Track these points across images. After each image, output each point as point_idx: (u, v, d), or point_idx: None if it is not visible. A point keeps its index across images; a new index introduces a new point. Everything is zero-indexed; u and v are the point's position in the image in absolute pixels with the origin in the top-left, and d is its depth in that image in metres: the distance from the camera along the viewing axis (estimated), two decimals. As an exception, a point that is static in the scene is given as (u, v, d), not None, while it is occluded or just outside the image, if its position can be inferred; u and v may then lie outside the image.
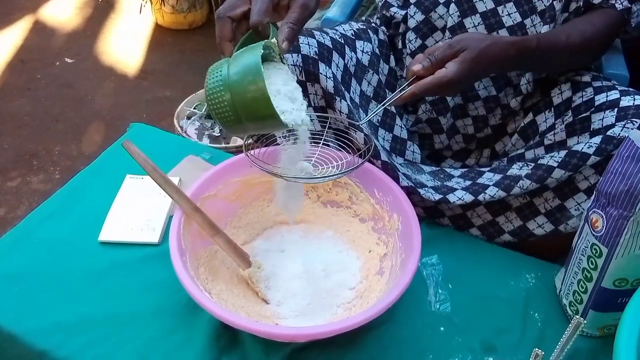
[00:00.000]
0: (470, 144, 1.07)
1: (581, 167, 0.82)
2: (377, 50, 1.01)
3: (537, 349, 0.65)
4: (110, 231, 0.92)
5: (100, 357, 0.76)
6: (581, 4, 0.90)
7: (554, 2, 0.89)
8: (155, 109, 1.97)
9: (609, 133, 0.80)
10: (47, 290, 0.84)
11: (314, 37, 0.89)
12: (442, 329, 0.82)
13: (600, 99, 0.85)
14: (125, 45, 2.29)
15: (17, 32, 2.33)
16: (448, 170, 0.98)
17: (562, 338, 0.63)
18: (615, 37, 0.95)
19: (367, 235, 0.91)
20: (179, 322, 0.80)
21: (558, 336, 0.64)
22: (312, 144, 0.83)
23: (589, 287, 0.76)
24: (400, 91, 0.80)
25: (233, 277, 0.85)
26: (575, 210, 0.87)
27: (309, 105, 0.90)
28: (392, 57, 1.04)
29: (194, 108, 1.72)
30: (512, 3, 0.91)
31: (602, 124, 0.82)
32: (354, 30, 0.99)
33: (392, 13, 1.03)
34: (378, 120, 0.98)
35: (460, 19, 0.94)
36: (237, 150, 1.45)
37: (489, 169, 0.94)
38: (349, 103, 0.88)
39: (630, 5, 0.88)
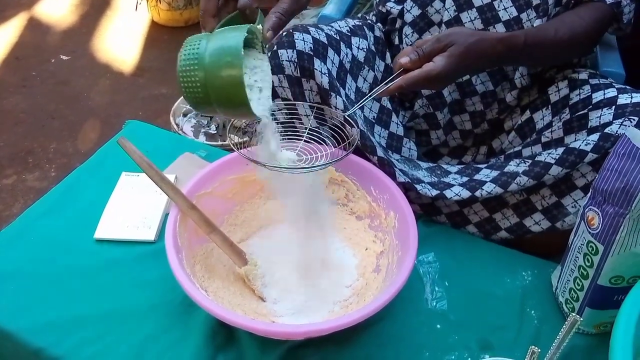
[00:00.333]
0: (467, 140, 1.07)
1: (578, 164, 0.82)
2: (372, 47, 1.00)
3: (533, 347, 0.65)
4: (106, 229, 0.92)
5: (96, 355, 0.76)
6: None
7: None
8: (151, 106, 1.96)
9: (606, 130, 0.80)
10: (43, 287, 0.84)
11: (309, 33, 0.89)
12: (438, 326, 0.82)
13: (598, 96, 0.85)
14: (121, 42, 2.28)
15: (12, 29, 2.31)
16: (445, 166, 0.98)
17: (558, 335, 0.63)
18: (605, 31, 0.95)
19: (364, 233, 0.91)
20: (174, 319, 0.80)
21: (554, 334, 0.64)
22: (289, 137, 0.82)
23: (585, 285, 0.76)
24: (387, 83, 0.79)
25: (229, 274, 0.85)
26: (572, 207, 0.87)
27: (304, 101, 0.89)
28: (388, 54, 1.04)
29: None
30: None
31: (600, 122, 0.82)
32: (349, 27, 0.98)
33: (389, 8, 1.03)
34: (374, 117, 0.98)
35: (456, 13, 0.94)
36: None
37: (486, 165, 0.94)
38: (344, 99, 0.88)
39: (619, 0, 0.88)
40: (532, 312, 0.84)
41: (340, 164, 0.86)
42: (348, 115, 0.81)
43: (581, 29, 0.87)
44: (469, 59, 0.79)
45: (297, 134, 0.87)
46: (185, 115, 1.70)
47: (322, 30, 0.92)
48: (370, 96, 0.81)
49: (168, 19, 2.34)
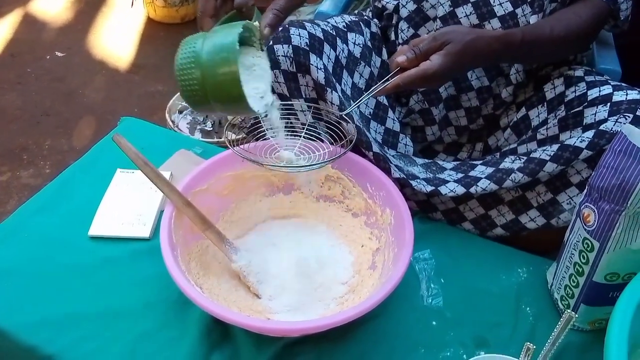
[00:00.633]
0: (462, 136, 1.07)
1: (573, 161, 0.82)
2: (369, 43, 1.00)
3: (528, 343, 0.65)
4: (101, 226, 0.91)
5: (90, 352, 0.76)
6: None
7: None
8: (146, 103, 1.96)
9: (601, 127, 0.80)
10: (37, 285, 0.83)
11: (305, 29, 0.88)
12: (434, 323, 0.82)
13: (593, 93, 0.85)
14: (116, 39, 2.28)
15: (7, 25, 2.30)
16: (440, 162, 0.98)
17: (554, 332, 0.63)
18: (601, 28, 0.95)
19: (360, 229, 0.91)
20: (170, 317, 0.80)
21: (549, 330, 0.64)
22: (293, 136, 0.82)
23: (581, 282, 0.77)
24: (384, 82, 0.80)
25: (224, 271, 0.85)
26: (567, 204, 0.87)
27: (300, 96, 0.89)
28: (384, 49, 1.04)
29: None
30: None
31: (595, 119, 0.82)
32: (345, 23, 0.98)
33: (384, 3, 1.03)
34: (370, 112, 0.98)
35: (452, 8, 0.94)
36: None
37: (481, 162, 0.94)
38: (340, 95, 0.88)
39: None
40: (528, 309, 0.84)
41: (336, 161, 0.86)
42: (347, 111, 0.81)
43: (577, 26, 0.87)
44: (465, 57, 0.79)
45: (293, 129, 0.87)
46: (181, 112, 1.70)
47: (318, 25, 0.92)
48: (367, 95, 0.81)
49: (164, 15, 2.33)
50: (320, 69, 0.87)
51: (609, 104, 0.82)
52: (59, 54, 2.18)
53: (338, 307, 0.82)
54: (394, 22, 1.02)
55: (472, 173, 0.91)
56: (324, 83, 0.87)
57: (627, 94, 0.81)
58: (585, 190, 0.75)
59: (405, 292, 0.83)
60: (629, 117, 0.79)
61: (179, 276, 0.71)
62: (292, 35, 0.86)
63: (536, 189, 0.89)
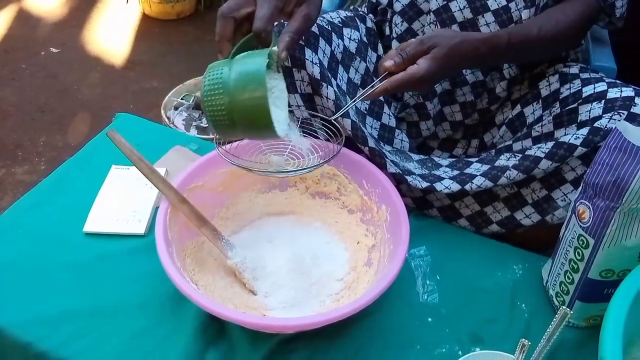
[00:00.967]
0: (457, 132, 1.07)
1: (568, 158, 0.82)
2: (364, 39, 1.00)
3: (523, 340, 0.65)
4: (96, 222, 0.91)
5: (85, 349, 0.76)
6: None
7: None
8: (142, 99, 1.95)
9: (596, 125, 0.80)
10: (31, 281, 0.83)
11: None
12: (429, 319, 0.82)
13: (588, 90, 0.85)
14: (111, 35, 2.27)
15: (1, 21, 2.29)
16: (436, 159, 0.98)
17: (549, 329, 0.63)
18: (590, 26, 0.96)
19: (356, 226, 0.91)
20: (165, 313, 0.80)
21: (544, 327, 0.64)
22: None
23: (576, 278, 0.77)
24: (372, 87, 0.80)
25: (220, 268, 0.85)
26: (562, 200, 0.87)
27: (296, 91, 0.89)
28: (380, 45, 1.04)
29: (182, 99, 1.71)
30: None
31: (590, 116, 0.82)
32: (341, 18, 0.98)
33: None
34: (366, 108, 0.98)
35: (445, 2, 0.94)
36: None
37: (477, 159, 0.94)
38: (336, 89, 0.87)
39: None
40: (523, 305, 0.84)
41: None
42: (335, 116, 0.81)
43: (565, 26, 0.88)
44: (452, 60, 0.80)
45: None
46: (176, 108, 1.69)
47: (314, 20, 0.91)
48: (356, 100, 0.82)
49: (159, 11, 2.32)
50: (316, 63, 0.87)
51: (603, 101, 0.82)
52: (53, 50, 2.17)
53: (334, 303, 0.82)
54: (388, 16, 1.02)
55: (467, 170, 0.91)
56: (319, 78, 0.86)
57: (621, 91, 0.82)
58: (580, 187, 0.75)
59: (400, 288, 0.83)
60: (623, 114, 0.79)
61: (175, 273, 0.71)
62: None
63: (531, 186, 0.89)
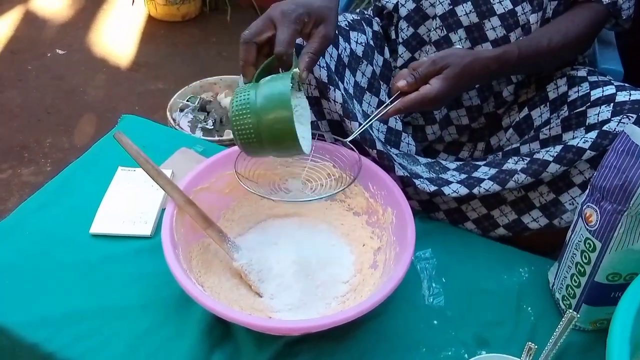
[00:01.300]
0: (463, 135, 1.07)
1: (576, 162, 0.82)
2: (371, 42, 1.00)
3: (529, 343, 0.65)
4: (102, 224, 0.91)
5: (91, 350, 0.76)
6: None
7: None
8: (147, 101, 1.96)
9: (604, 128, 0.80)
10: (38, 282, 0.83)
11: None
12: (435, 322, 0.82)
13: (596, 94, 0.85)
14: (117, 37, 2.27)
15: (8, 23, 2.30)
16: (444, 162, 0.98)
17: (555, 332, 0.63)
18: (598, 32, 0.96)
19: (361, 229, 0.91)
20: (171, 315, 0.80)
21: (551, 330, 0.64)
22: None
23: (582, 282, 0.76)
24: (386, 107, 0.81)
25: (226, 270, 0.85)
26: (570, 204, 0.87)
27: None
28: (386, 48, 1.04)
29: (187, 100, 1.71)
30: None
31: (598, 119, 0.82)
32: (347, 22, 0.98)
33: (384, 2, 1.03)
34: (372, 112, 0.98)
35: (451, 6, 0.94)
36: (231, 143, 1.44)
37: (484, 162, 0.94)
38: (343, 92, 0.88)
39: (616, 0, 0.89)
40: (529, 308, 0.84)
41: (338, 161, 0.86)
42: (349, 139, 0.83)
43: (575, 35, 0.88)
44: (463, 79, 0.81)
45: None
46: (182, 110, 1.70)
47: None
48: (370, 121, 0.82)
49: (165, 13, 2.33)
50: (323, 67, 0.87)
51: (612, 104, 0.82)
52: (59, 51, 2.18)
53: (339, 306, 0.82)
54: (394, 21, 1.02)
55: (475, 174, 0.91)
56: (326, 81, 0.87)
57: (630, 94, 0.81)
58: (588, 190, 0.75)
59: (406, 291, 0.83)
60: (632, 117, 0.79)
61: (181, 274, 0.71)
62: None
63: (539, 190, 0.89)
